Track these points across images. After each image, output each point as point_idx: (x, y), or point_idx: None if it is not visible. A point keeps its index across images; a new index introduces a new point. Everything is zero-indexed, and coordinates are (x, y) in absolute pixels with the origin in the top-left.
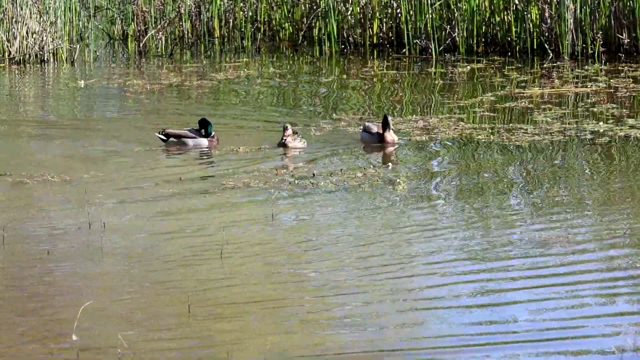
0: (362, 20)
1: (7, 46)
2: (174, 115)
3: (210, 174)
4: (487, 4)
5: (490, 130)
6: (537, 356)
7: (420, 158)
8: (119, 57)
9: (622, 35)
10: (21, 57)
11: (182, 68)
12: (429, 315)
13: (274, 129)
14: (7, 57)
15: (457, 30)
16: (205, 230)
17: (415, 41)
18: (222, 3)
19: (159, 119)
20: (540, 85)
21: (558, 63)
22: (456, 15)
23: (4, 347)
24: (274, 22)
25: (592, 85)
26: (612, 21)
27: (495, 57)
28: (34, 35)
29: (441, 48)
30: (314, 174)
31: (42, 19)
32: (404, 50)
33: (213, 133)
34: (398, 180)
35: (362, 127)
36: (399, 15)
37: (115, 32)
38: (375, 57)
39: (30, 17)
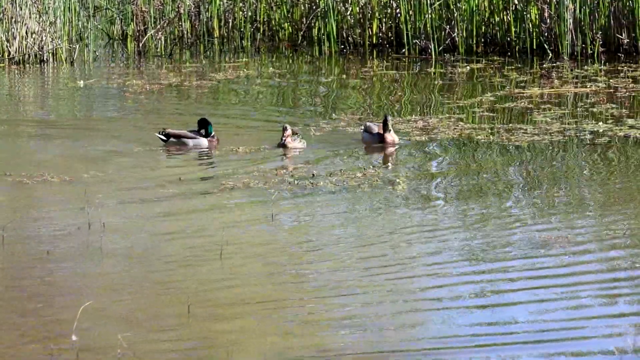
0: (362, 20)
1: (7, 46)
2: (173, 115)
3: (210, 174)
4: (486, 4)
5: (489, 131)
6: (537, 357)
7: (419, 158)
8: (119, 57)
9: (621, 35)
10: (20, 57)
11: (181, 68)
12: (429, 316)
13: (274, 129)
14: (6, 57)
15: (456, 30)
16: (205, 231)
17: (414, 41)
18: (221, 3)
19: (158, 119)
20: (540, 86)
21: (557, 63)
22: (456, 15)
23: (3, 348)
24: (273, 22)
25: (591, 86)
26: (612, 21)
27: (495, 57)
28: (34, 35)
29: (440, 48)
30: (313, 175)
31: (41, 19)
32: (404, 50)
33: (213, 133)
34: (398, 180)
35: (363, 128)
36: (399, 15)
37: (115, 32)
38: (374, 57)
39: (30, 17)
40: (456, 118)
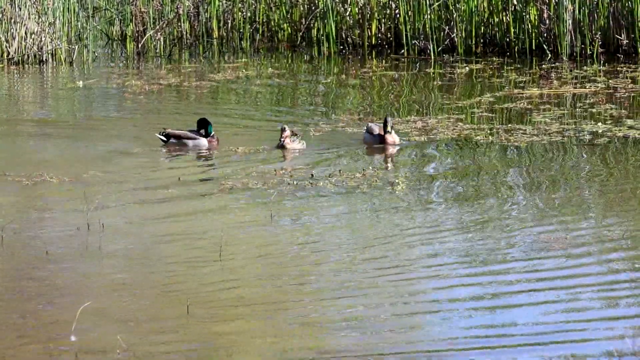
0: (361, 20)
1: (6, 47)
2: (173, 115)
3: (209, 175)
4: (485, 4)
5: (488, 131)
6: (537, 359)
7: (419, 159)
8: (118, 57)
9: (620, 36)
10: (20, 58)
11: (180, 69)
12: (428, 318)
13: (273, 129)
14: (5, 57)
15: (455, 30)
16: (204, 231)
17: (413, 42)
18: (220, 4)
19: (158, 119)
20: (539, 86)
21: (557, 64)
22: (455, 15)
23: (2, 348)
24: (272, 22)
25: (590, 86)
26: (611, 22)
27: (494, 58)
28: (33, 36)
29: (440, 49)
30: (312, 175)
31: (40, 19)
32: (403, 50)
33: (213, 133)
34: (397, 181)
35: (365, 128)
36: (398, 15)
37: (114, 32)
38: (373, 57)
39: (29, 18)
40: (455, 118)
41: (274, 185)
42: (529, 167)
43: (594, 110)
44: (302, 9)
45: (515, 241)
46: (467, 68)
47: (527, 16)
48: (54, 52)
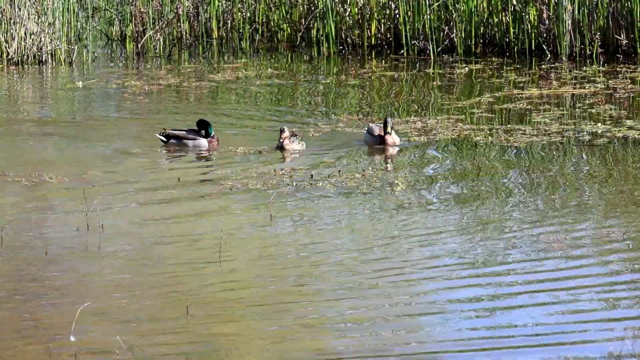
0: (360, 21)
1: (6, 47)
2: (172, 116)
3: (208, 175)
4: (485, 4)
5: (488, 131)
6: None
7: (418, 159)
8: (117, 58)
9: (620, 36)
10: (19, 58)
11: (180, 69)
12: (428, 319)
13: (273, 129)
14: (5, 57)
15: (455, 31)
16: (203, 232)
17: (413, 42)
18: (220, 4)
19: (157, 119)
20: (539, 86)
21: (556, 64)
22: (454, 16)
23: (2, 348)
24: (272, 23)
25: (590, 87)
26: (610, 22)
27: (494, 58)
28: (32, 36)
29: (439, 49)
30: (312, 175)
31: (40, 19)
32: (402, 51)
33: (213, 133)
34: (396, 182)
35: (366, 129)
36: (397, 16)
37: (114, 33)
38: (373, 58)
39: (29, 18)
40: (455, 119)
41: (274, 185)
42: (528, 167)
43: (593, 110)
44: (301, 9)
45: (515, 242)
46: (466, 68)
47: (527, 16)
48: (53, 53)
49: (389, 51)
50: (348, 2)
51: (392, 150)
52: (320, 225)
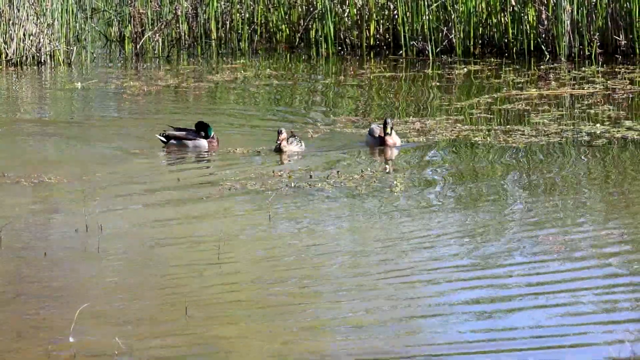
0: (359, 21)
1: (4, 48)
2: (171, 116)
3: (207, 176)
4: (484, 5)
5: (487, 132)
6: None
7: (417, 160)
8: (116, 58)
9: (619, 36)
10: (18, 59)
11: (179, 70)
12: (427, 322)
13: (272, 130)
14: (4, 58)
15: (454, 31)
16: (202, 233)
17: (412, 43)
18: (219, 5)
19: (156, 120)
20: (537, 87)
21: (555, 65)
22: (453, 16)
23: (1, 350)
24: (270, 23)
25: (589, 87)
26: (609, 23)
27: (492, 59)
28: (31, 37)
29: (438, 50)
30: (311, 176)
31: (39, 20)
32: (401, 51)
33: (213, 134)
34: (395, 182)
35: (368, 130)
36: (396, 16)
37: (112, 33)
38: (372, 58)
39: (28, 19)
40: (454, 119)
41: (273, 186)
42: (527, 168)
43: (592, 111)
44: (300, 10)
45: (514, 244)
46: (465, 69)
47: (526, 17)
48: (52, 54)
49: (387, 52)
50: (347, 3)
51: (392, 151)
52: (319, 226)
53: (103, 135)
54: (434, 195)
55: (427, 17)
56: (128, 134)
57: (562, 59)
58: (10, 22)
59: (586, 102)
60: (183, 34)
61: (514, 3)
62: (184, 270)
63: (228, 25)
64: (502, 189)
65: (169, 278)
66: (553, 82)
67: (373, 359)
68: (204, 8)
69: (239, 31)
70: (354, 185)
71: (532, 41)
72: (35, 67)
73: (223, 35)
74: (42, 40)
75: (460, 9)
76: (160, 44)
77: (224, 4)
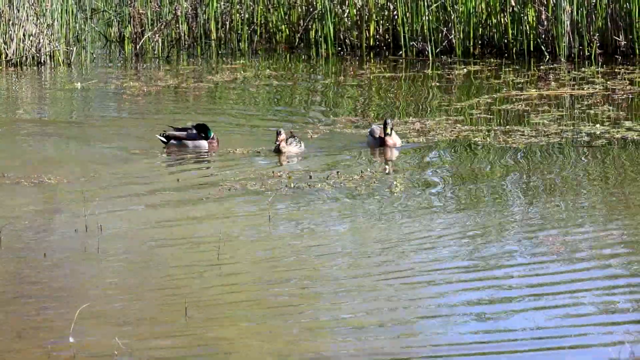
0: (359, 22)
1: (4, 48)
2: (171, 116)
3: (207, 176)
4: (483, 6)
5: (486, 133)
6: None
7: (417, 161)
8: (116, 59)
9: (618, 37)
10: (18, 59)
11: (178, 70)
12: (427, 323)
13: (272, 130)
14: (4, 59)
15: (453, 32)
16: (202, 234)
17: (411, 43)
18: (218, 5)
19: (156, 120)
20: (537, 87)
21: (555, 65)
22: (453, 17)
23: (1, 350)
24: (270, 24)
25: (588, 88)
26: (609, 23)
27: (492, 59)
28: (31, 38)
29: (438, 50)
30: (310, 176)
31: (39, 21)
32: (401, 52)
33: (213, 134)
34: (395, 183)
35: (369, 130)
36: (396, 17)
37: (112, 34)
38: (371, 59)
39: (27, 20)
40: (453, 120)
41: (273, 187)
42: (527, 169)
43: (592, 111)
44: (300, 10)
45: (514, 245)
46: (465, 69)
47: (525, 17)
48: (52, 54)
49: (387, 52)
50: (346, 3)
51: (392, 152)
52: (319, 227)
53: (103, 135)
54: (434, 196)
55: (426, 18)
56: (128, 134)
57: (562, 59)
58: (10, 22)
59: (586, 103)
60: (183, 35)
61: (513, 3)
62: (184, 271)
63: (228, 26)
64: (502, 190)
65: (169, 279)
66: (553, 82)
67: (373, 358)
68: (204, 8)
69: (239, 31)
70: (354, 186)
71: (531, 42)
72: (35, 68)
73: (223, 35)
74: (42, 40)
75: (460, 9)
76: (160, 45)
77: (224, 4)
